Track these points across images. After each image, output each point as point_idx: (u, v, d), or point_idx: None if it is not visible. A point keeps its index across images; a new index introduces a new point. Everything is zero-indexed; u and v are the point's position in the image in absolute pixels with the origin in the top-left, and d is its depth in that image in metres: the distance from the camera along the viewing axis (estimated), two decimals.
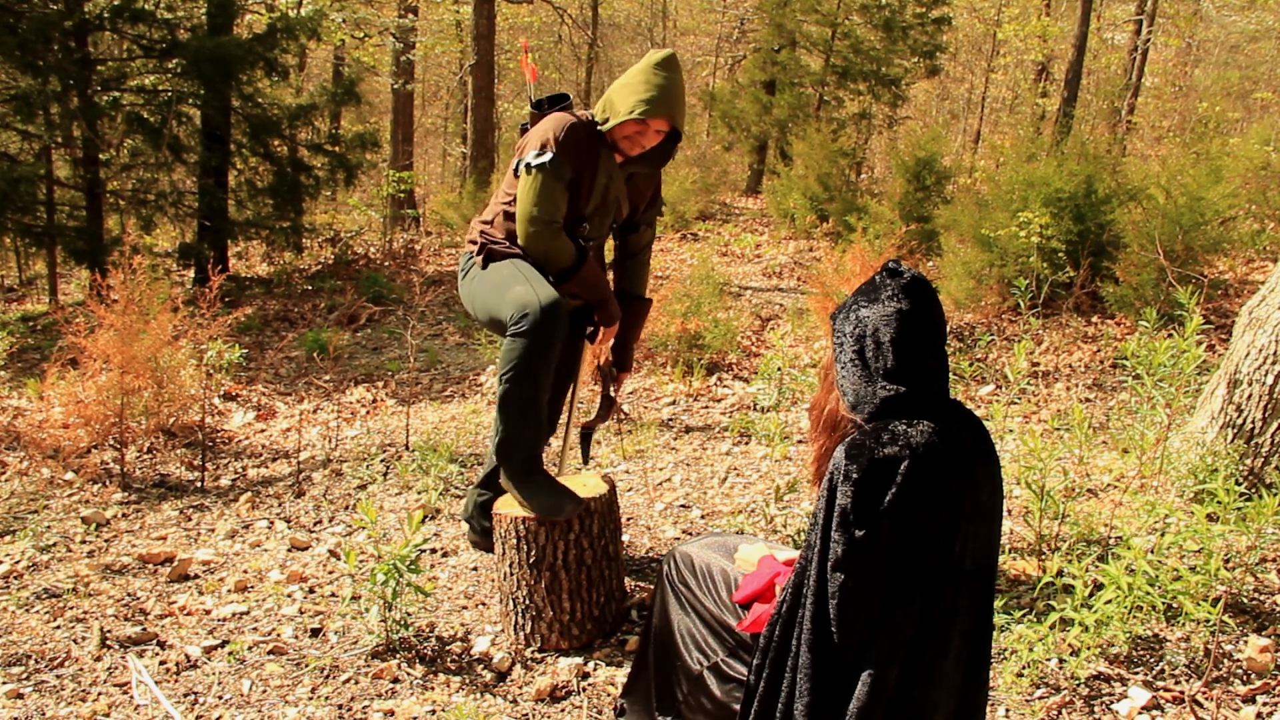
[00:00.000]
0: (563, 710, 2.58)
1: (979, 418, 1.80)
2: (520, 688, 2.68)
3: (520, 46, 3.28)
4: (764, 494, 3.89)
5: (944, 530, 1.68)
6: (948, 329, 6.14)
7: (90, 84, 8.65)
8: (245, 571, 3.60)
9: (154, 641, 3.08)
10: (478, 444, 4.76)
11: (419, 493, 4.16)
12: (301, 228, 10.41)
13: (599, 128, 2.84)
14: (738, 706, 2.00)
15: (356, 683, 2.76)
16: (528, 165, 2.77)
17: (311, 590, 3.41)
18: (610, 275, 3.30)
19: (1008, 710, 2.44)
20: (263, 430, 5.59)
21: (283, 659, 2.91)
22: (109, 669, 2.92)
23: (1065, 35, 14.76)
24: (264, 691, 2.75)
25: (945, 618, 1.71)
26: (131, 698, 2.75)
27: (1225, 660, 2.55)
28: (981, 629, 1.79)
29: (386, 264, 10.52)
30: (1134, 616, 2.63)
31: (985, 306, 6.32)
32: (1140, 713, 2.38)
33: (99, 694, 2.79)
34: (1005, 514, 3.38)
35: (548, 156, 2.74)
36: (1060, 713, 2.41)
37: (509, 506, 2.84)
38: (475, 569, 3.42)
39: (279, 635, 3.07)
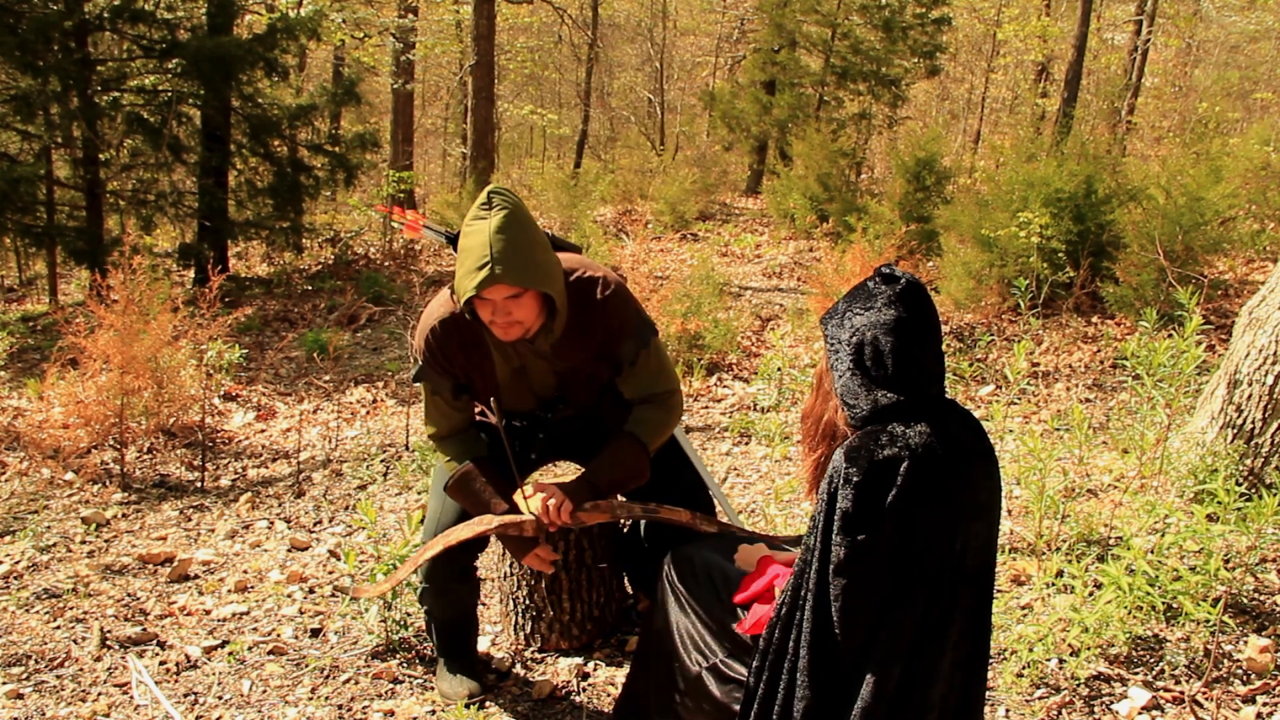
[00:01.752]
0: (563, 710, 2.58)
1: (976, 418, 1.79)
2: (520, 688, 2.68)
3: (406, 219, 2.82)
4: (764, 494, 3.89)
5: (944, 530, 1.68)
6: (947, 329, 6.15)
7: (90, 84, 8.65)
8: (245, 572, 3.60)
9: (154, 641, 3.08)
10: None
11: (419, 493, 4.15)
12: (301, 228, 10.40)
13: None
14: (737, 708, 2.00)
15: (356, 683, 2.76)
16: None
17: (311, 590, 3.41)
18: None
19: (1008, 710, 2.44)
20: (263, 430, 5.59)
21: (283, 659, 2.91)
22: (109, 669, 2.92)
23: (1065, 35, 14.74)
24: (264, 691, 2.75)
25: (945, 617, 1.71)
26: (131, 698, 2.75)
27: (1225, 660, 2.55)
28: (981, 628, 1.79)
29: (386, 264, 10.52)
30: (1134, 616, 2.63)
31: (985, 307, 6.32)
32: (1140, 713, 2.38)
33: (99, 694, 2.79)
34: (1005, 514, 3.38)
35: (415, 370, 2.45)
36: (1060, 713, 2.41)
37: None
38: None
39: (279, 635, 3.07)
